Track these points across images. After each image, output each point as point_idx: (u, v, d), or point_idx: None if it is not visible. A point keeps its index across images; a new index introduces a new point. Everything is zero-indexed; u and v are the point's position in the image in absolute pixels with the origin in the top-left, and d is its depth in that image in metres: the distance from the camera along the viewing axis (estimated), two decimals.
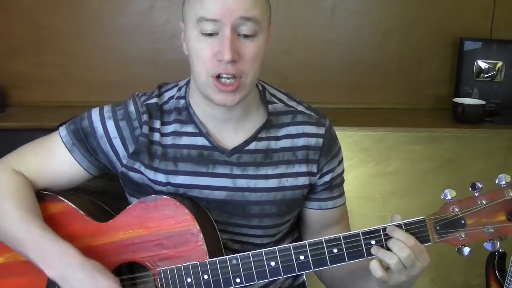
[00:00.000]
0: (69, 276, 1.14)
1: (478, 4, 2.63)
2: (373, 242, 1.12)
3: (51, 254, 1.16)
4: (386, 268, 1.10)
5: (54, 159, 1.28)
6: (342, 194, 1.37)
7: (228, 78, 1.14)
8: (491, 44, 2.57)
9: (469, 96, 2.57)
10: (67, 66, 2.51)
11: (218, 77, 1.15)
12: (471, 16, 2.63)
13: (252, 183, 1.25)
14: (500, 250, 2.06)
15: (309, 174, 1.29)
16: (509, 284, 1.94)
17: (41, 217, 1.22)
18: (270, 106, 1.29)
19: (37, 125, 2.24)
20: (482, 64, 2.56)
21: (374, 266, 1.10)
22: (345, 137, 2.32)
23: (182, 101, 1.28)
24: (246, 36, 1.14)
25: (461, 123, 2.44)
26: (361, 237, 1.12)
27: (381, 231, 1.12)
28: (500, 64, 2.55)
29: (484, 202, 1.09)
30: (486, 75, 2.56)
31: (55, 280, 1.16)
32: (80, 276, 1.13)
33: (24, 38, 2.46)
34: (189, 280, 1.17)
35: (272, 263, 1.15)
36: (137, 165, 1.26)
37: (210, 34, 1.13)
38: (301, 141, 1.28)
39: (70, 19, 2.47)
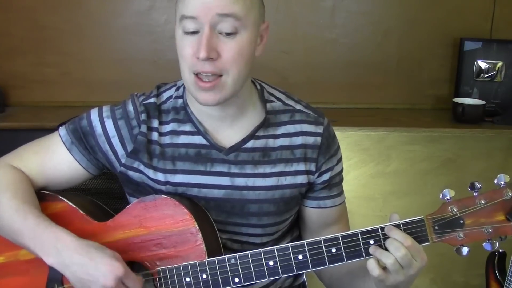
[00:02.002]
0: (67, 262, 1.13)
1: (478, 4, 2.63)
2: (371, 241, 1.12)
3: (47, 241, 1.15)
4: (384, 267, 1.10)
5: (53, 157, 1.28)
6: (341, 193, 1.37)
7: (206, 76, 1.14)
8: (491, 44, 2.57)
9: (469, 96, 2.58)
10: (67, 66, 2.52)
11: (198, 74, 1.15)
12: (471, 16, 2.64)
13: (250, 182, 1.25)
14: (500, 250, 2.06)
15: (308, 172, 1.29)
16: (509, 284, 1.94)
17: (38, 208, 1.22)
18: (268, 105, 1.29)
19: (37, 125, 2.24)
20: (482, 64, 2.56)
21: (371, 265, 1.10)
22: (345, 137, 2.32)
23: (180, 101, 1.28)
24: (227, 34, 1.13)
25: (461, 123, 2.44)
26: (360, 237, 1.12)
27: (380, 231, 1.12)
28: (500, 64, 2.55)
29: (483, 202, 1.09)
30: (486, 75, 2.57)
31: (56, 267, 1.15)
32: (78, 259, 1.12)
33: (24, 38, 2.47)
34: (188, 279, 1.17)
35: (271, 263, 1.15)
36: (136, 164, 1.26)
37: (192, 33, 1.13)
38: (299, 140, 1.28)
39: (70, 19, 2.47)
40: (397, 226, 1.11)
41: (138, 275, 1.17)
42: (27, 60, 2.50)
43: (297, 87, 2.42)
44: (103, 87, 2.53)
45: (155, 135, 1.26)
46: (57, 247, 1.14)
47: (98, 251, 1.13)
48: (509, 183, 1.08)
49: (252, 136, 1.26)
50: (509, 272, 1.94)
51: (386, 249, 1.10)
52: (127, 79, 2.52)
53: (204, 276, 1.16)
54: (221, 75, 1.15)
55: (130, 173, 1.27)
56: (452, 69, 2.67)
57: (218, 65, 1.13)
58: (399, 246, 1.08)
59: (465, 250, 1.11)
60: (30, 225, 1.17)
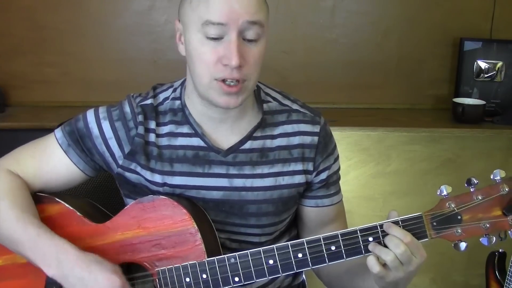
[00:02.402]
0: (68, 274, 1.14)
1: (478, 4, 2.63)
2: (370, 239, 1.12)
3: (48, 252, 1.15)
4: (383, 264, 1.10)
5: (50, 160, 1.27)
6: (338, 191, 1.37)
7: (232, 82, 1.14)
8: (491, 44, 2.57)
9: (469, 96, 2.57)
10: (67, 66, 2.52)
11: (223, 80, 1.14)
12: (471, 16, 2.64)
13: (249, 182, 1.25)
14: (500, 250, 2.06)
15: (305, 172, 1.29)
16: (509, 284, 1.94)
17: (37, 216, 1.22)
18: (265, 105, 1.29)
19: (37, 125, 2.24)
20: (482, 64, 2.56)
21: (371, 261, 1.10)
22: (345, 137, 2.32)
23: (178, 102, 1.28)
24: (249, 40, 1.13)
25: (461, 123, 2.44)
26: (359, 234, 1.12)
27: (379, 228, 1.12)
28: (500, 64, 2.55)
29: (480, 198, 1.10)
30: (486, 75, 2.56)
31: (56, 279, 1.15)
32: (78, 273, 1.13)
33: (24, 38, 2.47)
34: (187, 279, 1.17)
35: (271, 261, 1.15)
36: (133, 166, 1.26)
37: (215, 38, 1.12)
38: (296, 140, 1.28)
39: (70, 19, 2.47)
40: (395, 222, 1.12)
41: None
42: (27, 60, 2.49)
43: (297, 87, 2.42)
44: (103, 87, 2.53)
45: (152, 137, 1.25)
46: (58, 258, 1.15)
47: (98, 264, 1.14)
48: (505, 178, 1.09)
49: (249, 137, 1.26)
50: (509, 272, 1.94)
51: (385, 246, 1.10)
52: (127, 79, 2.52)
53: (204, 276, 1.16)
54: (244, 81, 1.15)
55: (127, 174, 1.27)
56: (452, 69, 2.67)
57: (244, 72, 1.13)
58: (399, 242, 1.08)
59: (463, 245, 1.12)
60: (31, 236, 1.17)
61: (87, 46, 2.51)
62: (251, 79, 1.16)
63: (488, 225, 1.10)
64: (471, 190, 1.10)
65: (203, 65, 1.14)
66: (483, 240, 1.11)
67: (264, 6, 1.16)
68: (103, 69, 2.53)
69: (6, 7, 2.43)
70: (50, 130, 1.34)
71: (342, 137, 2.28)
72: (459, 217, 1.11)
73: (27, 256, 1.18)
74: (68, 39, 2.49)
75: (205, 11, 1.11)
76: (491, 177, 1.10)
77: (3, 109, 2.43)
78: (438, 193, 1.12)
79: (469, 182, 1.10)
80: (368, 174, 2.40)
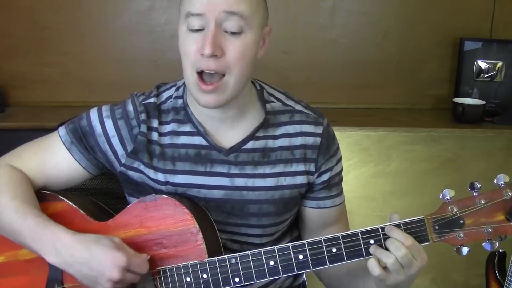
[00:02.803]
0: (69, 261, 1.13)
1: (478, 4, 2.63)
2: (371, 241, 1.12)
3: (46, 240, 1.15)
4: (384, 267, 1.10)
5: (53, 157, 1.28)
6: (340, 193, 1.37)
7: (210, 74, 1.14)
8: (491, 44, 2.57)
9: (469, 96, 2.58)
10: (67, 66, 2.52)
11: (202, 73, 1.14)
12: (471, 16, 2.64)
13: (250, 182, 1.25)
14: (500, 250, 2.06)
15: (307, 173, 1.29)
16: (509, 284, 1.94)
17: (38, 207, 1.22)
18: (268, 105, 1.29)
19: (37, 125, 2.24)
20: (482, 64, 2.56)
21: (372, 264, 1.10)
22: (345, 137, 2.32)
23: (180, 101, 1.28)
24: (233, 33, 1.13)
25: (461, 123, 2.44)
26: (360, 237, 1.12)
27: (380, 231, 1.12)
28: (500, 64, 2.55)
29: (483, 202, 1.09)
30: (486, 75, 2.57)
31: (58, 266, 1.15)
32: (79, 257, 1.13)
33: (24, 38, 2.47)
34: (188, 279, 1.17)
35: (271, 263, 1.15)
36: (136, 164, 1.26)
37: (197, 30, 1.13)
38: (299, 140, 1.28)
39: (70, 19, 2.47)
40: (397, 226, 1.11)
41: (142, 254, 1.17)
42: (27, 60, 2.49)
43: (297, 87, 2.42)
44: (103, 87, 2.53)
45: (155, 135, 1.26)
46: (56, 246, 1.14)
47: (97, 244, 1.13)
48: (508, 183, 1.09)
49: (252, 136, 1.26)
50: (509, 272, 1.94)
51: (386, 249, 1.10)
52: (127, 79, 2.52)
53: (205, 275, 1.16)
54: (223, 75, 1.14)
55: (130, 173, 1.27)
56: (452, 69, 2.67)
57: (223, 63, 1.13)
58: (400, 245, 1.08)
59: (465, 250, 1.11)
60: (30, 225, 1.17)
61: (87, 46, 2.51)
62: (232, 74, 1.15)
63: (490, 230, 1.09)
64: (474, 194, 1.10)
65: (186, 57, 1.16)
66: (486, 245, 1.11)
67: (250, 0, 1.15)
68: (103, 69, 2.53)
69: (6, 7, 2.43)
70: (50, 130, 1.34)
71: (342, 137, 2.27)
72: (461, 221, 1.10)
73: (28, 245, 1.18)
74: (68, 39, 2.49)
75: (188, 3, 1.14)
76: (495, 181, 1.09)
77: (3, 109, 2.43)
78: (440, 196, 1.11)
79: (472, 186, 1.10)
80: (368, 174, 2.40)
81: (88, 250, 1.13)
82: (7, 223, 1.20)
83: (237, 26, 1.13)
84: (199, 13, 1.12)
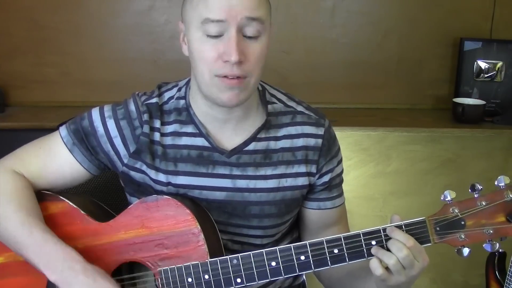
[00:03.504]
0: (71, 280, 1.14)
1: (478, 4, 2.63)
2: (373, 242, 1.12)
3: (54, 258, 1.16)
4: (386, 268, 1.11)
5: (55, 159, 1.27)
6: (341, 194, 1.37)
7: (232, 79, 1.14)
8: (491, 44, 2.57)
9: (469, 96, 2.57)
10: (67, 66, 2.51)
11: (224, 77, 1.14)
12: (471, 16, 2.64)
13: (252, 184, 1.25)
14: (500, 250, 2.06)
15: (308, 174, 1.29)
16: (509, 284, 1.95)
17: (42, 220, 1.22)
18: (269, 107, 1.29)
19: (37, 125, 2.24)
20: (482, 64, 2.56)
21: (374, 264, 1.10)
22: (345, 137, 2.32)
23: (182, 102, 1.28)
24: (250, 37, 1.13)
25: (461, 123, 2.44)
26: (362, 238, 1.12)
27: (382, 232, 1.12)
28: (500, 64, 2.55)
29: (484, 203, 1.10)
30: (486, 75, 2.57)
31: (58, 284, 1.15)
32: (82, 280, 1.13)
33: (24, 38, 2.47)
34: (190, 280, 1.17)
35: (273, 263, 1.15)
36: (138, 165, 1.26)
37: (215, 36, 1.12)
38: (300, 142, 1.28)
39: (70, 19, 2.47)
40: (399, 227, 1.12)
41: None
42: (27, 60, 2.49)
43: (297, 87, 2.42)
44: (103, 87, 2.53)
45: (157, 136, 1.26)
46: (64, 265, 1.15)
47: (102, 277, 1.15)
48: (509, 184, 1.09)
49: (253, 138, 1.26)
50: (509, 272, 1.94)
51: (388, 250, 1.11)
52: (127, 79, 2.51)
53: (206, 276, 1.16)
54: (245, 77, 1.15)
55: (132, 173, 1.27)
56: (452, 69, 2.67)
57: (245, 68, 1.13)
58: (401, 246, 1.09)
59: (466, 251, 1.12)
60: (37, 241, 1.17)
61: (87, 46, 2.51)
62: (253, 76, 1.16)
63: (491, 231, 1.10)
64: (475, 195, 1.10)
65: (204, 62, 1.15)
66: (486, 246, 1.11)
67: (265, 3, 1.16)
68: (103, 69, 2.53)
69: (6, 7, 2.43)
70: (50, 130, 1.34)
71: (342, 137, 2.25)
72: (462, 222, 1.11)
73: (29, 259, 1.18)
74: (68, 39, 2.48)
75: (205, 9, 1.12)
76: (496, 183, 1.09)
77: (3, 109, 2.43)
78: (441, 198, 1.12)
79: (473, 188, 1.10)
80: (368, 174, 2.40)
81: (93, 276, 1.14)
82: (10, 235, 1.20)
83: (256, 31, 1.13)
84: (220, 19, 1.11)
